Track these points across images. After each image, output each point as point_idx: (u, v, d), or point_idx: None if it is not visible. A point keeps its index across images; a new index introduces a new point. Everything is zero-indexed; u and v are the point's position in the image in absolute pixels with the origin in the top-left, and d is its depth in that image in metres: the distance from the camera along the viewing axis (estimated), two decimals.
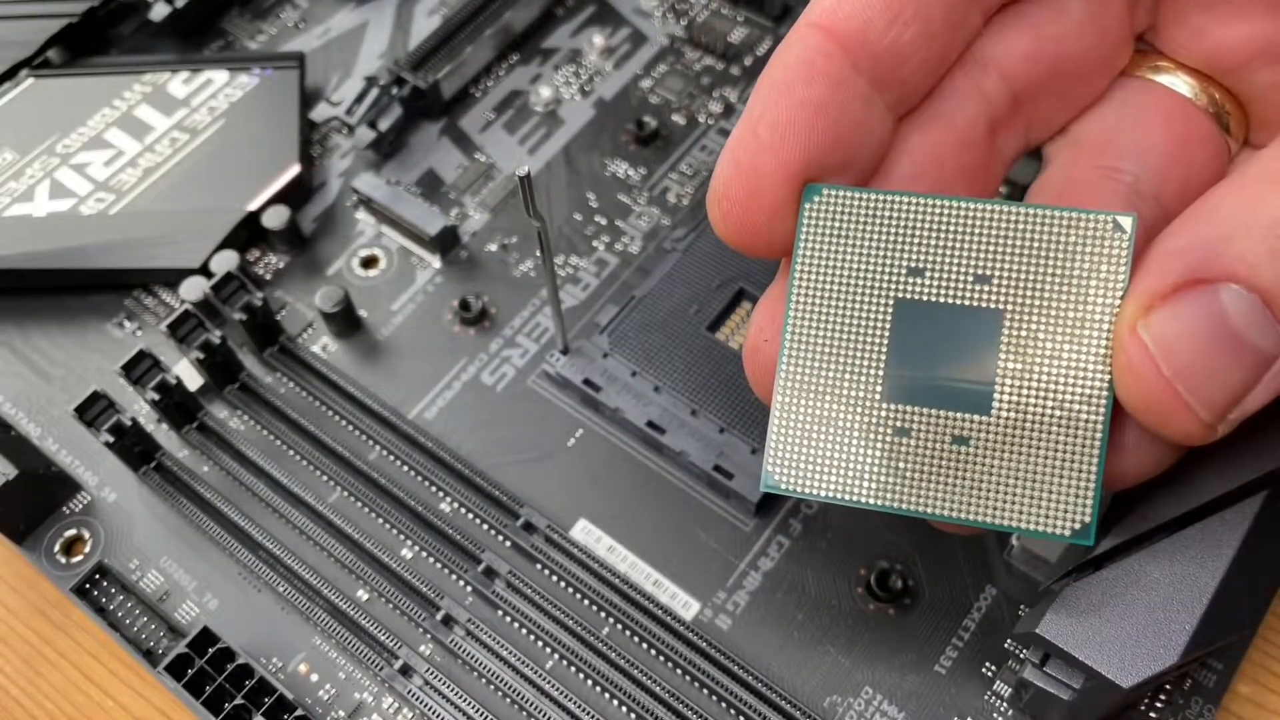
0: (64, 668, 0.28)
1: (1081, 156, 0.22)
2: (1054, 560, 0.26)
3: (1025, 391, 0.20)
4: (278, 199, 0.33)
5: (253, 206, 0.33)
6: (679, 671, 0.26)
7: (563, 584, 0.27)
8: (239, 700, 0.25)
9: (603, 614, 0.27)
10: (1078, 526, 0.19)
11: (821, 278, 0.21)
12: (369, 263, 0.33)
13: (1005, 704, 0.25)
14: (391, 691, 0.26)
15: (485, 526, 0.28)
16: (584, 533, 0.28)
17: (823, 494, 0.21)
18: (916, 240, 0.20)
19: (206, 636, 0.25)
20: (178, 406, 0.29)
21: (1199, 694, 0.25)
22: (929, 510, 0.20)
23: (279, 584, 0.28)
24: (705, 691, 0.26)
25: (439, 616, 0.27)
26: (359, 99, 0.35)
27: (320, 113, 0.36)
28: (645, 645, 0.27)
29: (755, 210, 0.21)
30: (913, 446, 0.20)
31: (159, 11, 0.37)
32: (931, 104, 0.22)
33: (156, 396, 0.28)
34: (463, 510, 0.29)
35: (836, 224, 0.21)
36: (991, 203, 0.20)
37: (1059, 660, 0.22)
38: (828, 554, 0.28)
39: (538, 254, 0.33)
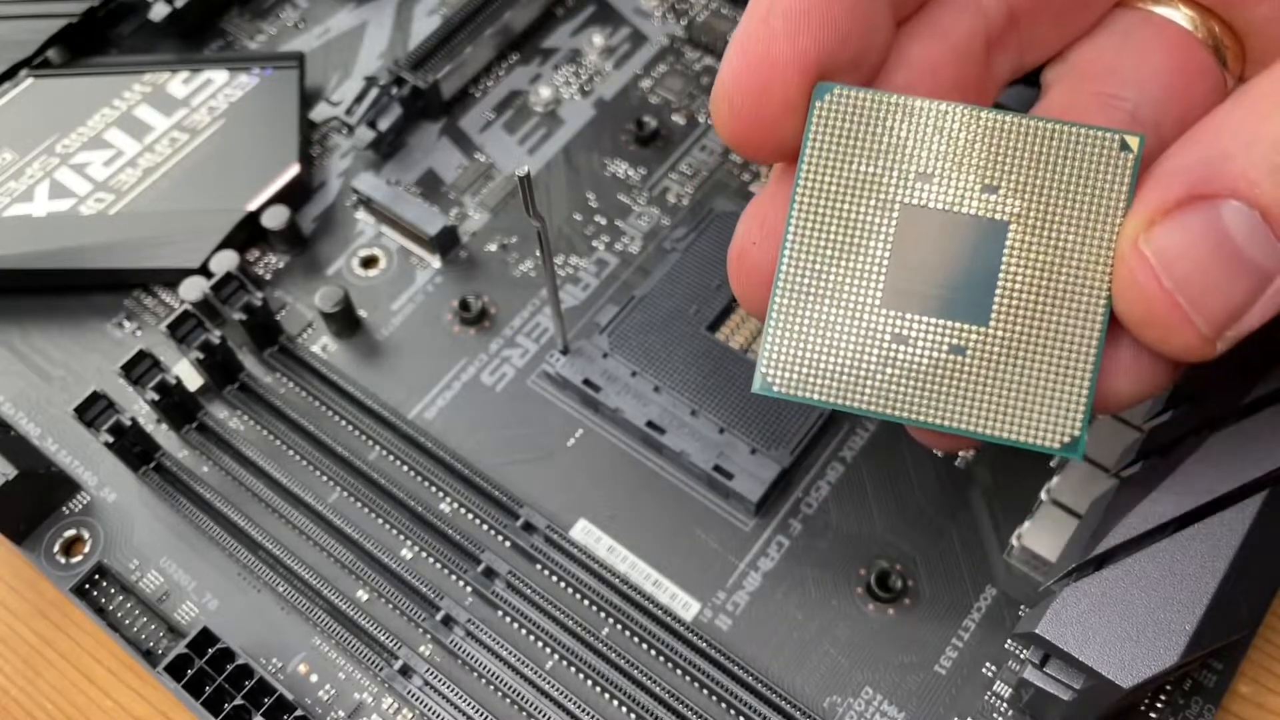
0: (63, 668, 0.28)
1: (1082, 83, 0.22)
2: (1054, 560, 0.26)
3: (1024, 304, 0.20)
4: (277, 199, 0.33)
5: (252, 206, 0.33)
6: (679, 672, 0.26)
7: (562, 584, 0.27)
8: (239, 700, 0.25)
9: (602, 614, 0.27)
10: (1067, 440, 0.20)
11: (827, 179, 0.20)
12: (369, 263, 0.33)
13: (1005, 704, 0.25)
14: (391, 692, 0.26)
15: (485, 527, 0.28)
16: (584, 533, 0.28)
17: (815, 397, 0.20)
18: (927, 146, 0.20)
19: (206, 637, 0.25)
20: (177, 406, 0.29)
21: (1199, 694, 0.25)
22: (922, 418, 0.20)
23: (279, 584, 0.28)
24: (705, 692, 0.26)
25: (439, 617, 0.27)
26: (359, 99, 0.35)
27: (320, 113, 0.36)
28: (645, 645, 0.26)
29: (767, 104, 0.20)
30: (909, 354, 0.20)
31: (159, 11, 0.37)
32: (929, 14, 0.22)
33: (156, 397, 0.28)
34: (462, 510, 0.29)
35: (846, 125, 0.20)
36: (1006, 113, 0.20)
37: (1059, 660, 0.22)
38: (828, 554, 0.28)
39: (538, 254, 0.33)
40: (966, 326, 0.20)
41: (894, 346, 0.20)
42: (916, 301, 0.20)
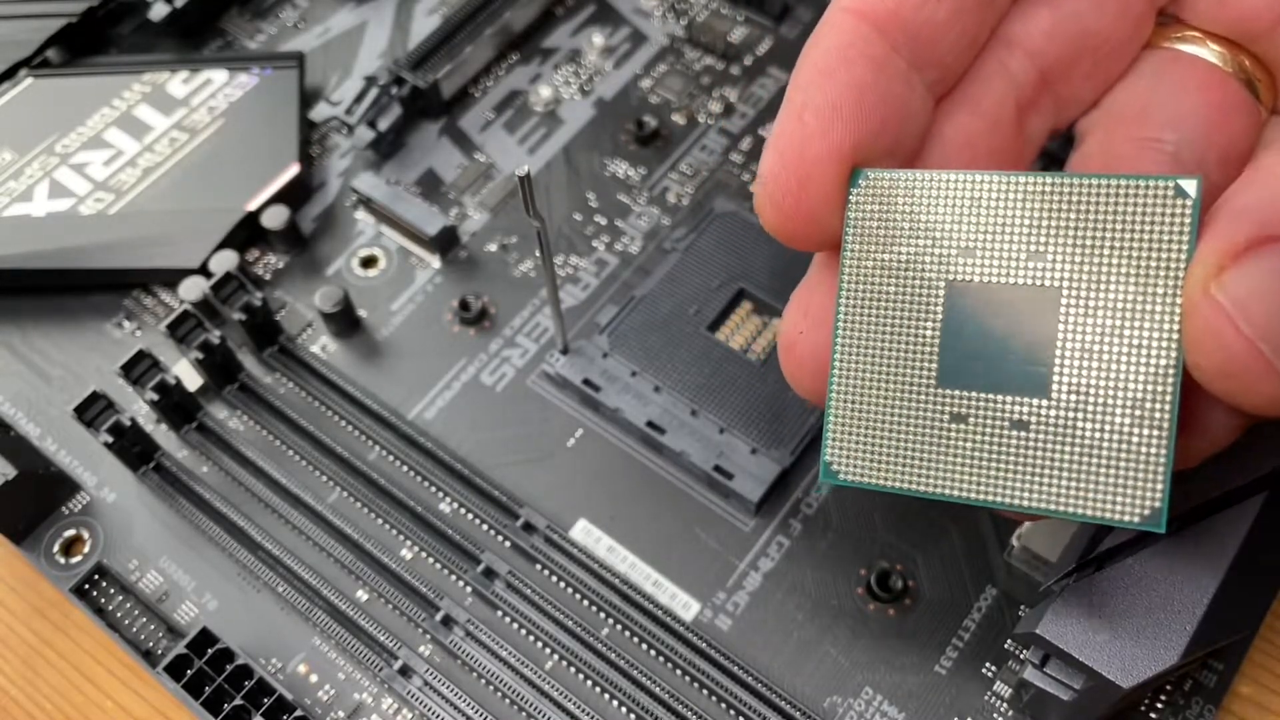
0: (63, 668, 0.28)
1: (1118, 129, 0.22)
2: (1054, 560, 0.26)
3: (1086, 371, 0.19)
4: (277, 199, 0.33)
5: (252, 206, 0.33)
6: (679, 672, 0.26)
7: (562, 584, 0.27)
8: (238, 701, 0.25)
9: (602, 614, 0.27)
10: (1147, 513, 0.18)
11: (871, 263, 0.20)
12: (368, 263, 0.33)
13: (1005, 704, 0.25)
14: (391, 692, 0.26)
15: (485, 527, 0.28)
16: (584, 533, 0.28)
17: (881, 483, 0.20)
18: (966, 219, 0.20)
19: (206, 637, 0.25)
20: (177, 407, 0.29)
21: (1199, 694, 0.25)
22: (990, 498, 0.19)
23: (278, 584, 0.28)
24: (705, 692, 0.26)
25: (438, 617, 0.27)
26: (358, 99, 0.35)
27: (320, 112, 0.36)
28: (645, 646, 0.26)
29: (808, 199, 0.20)
30: (970, 432, 0.19)
31: (158, 11, 0.37)
32: (959, 88, 0.22)
33: (156, 397, 0.28)
34: (462, 510, 0.29)
35: (884, 207, 0.20)
36: (1043, 175, 0.19)
37: (1059, 660, 0.22)
38: (828, 554, 0.28)
39: (537, 254, 0.33)
40: (1027, 400, 0.19)
41: (953, 426, 0.20)
42: (972, 378, 0.19)
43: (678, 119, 0.35)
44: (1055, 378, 0.19)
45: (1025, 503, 0.19)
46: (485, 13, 0.36)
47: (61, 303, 0.33)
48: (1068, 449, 0.19)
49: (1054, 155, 0.31)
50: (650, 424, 0.29)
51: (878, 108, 0.20)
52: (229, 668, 0.25)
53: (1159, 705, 0.25)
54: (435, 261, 0.33)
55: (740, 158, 0.34)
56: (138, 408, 0.30)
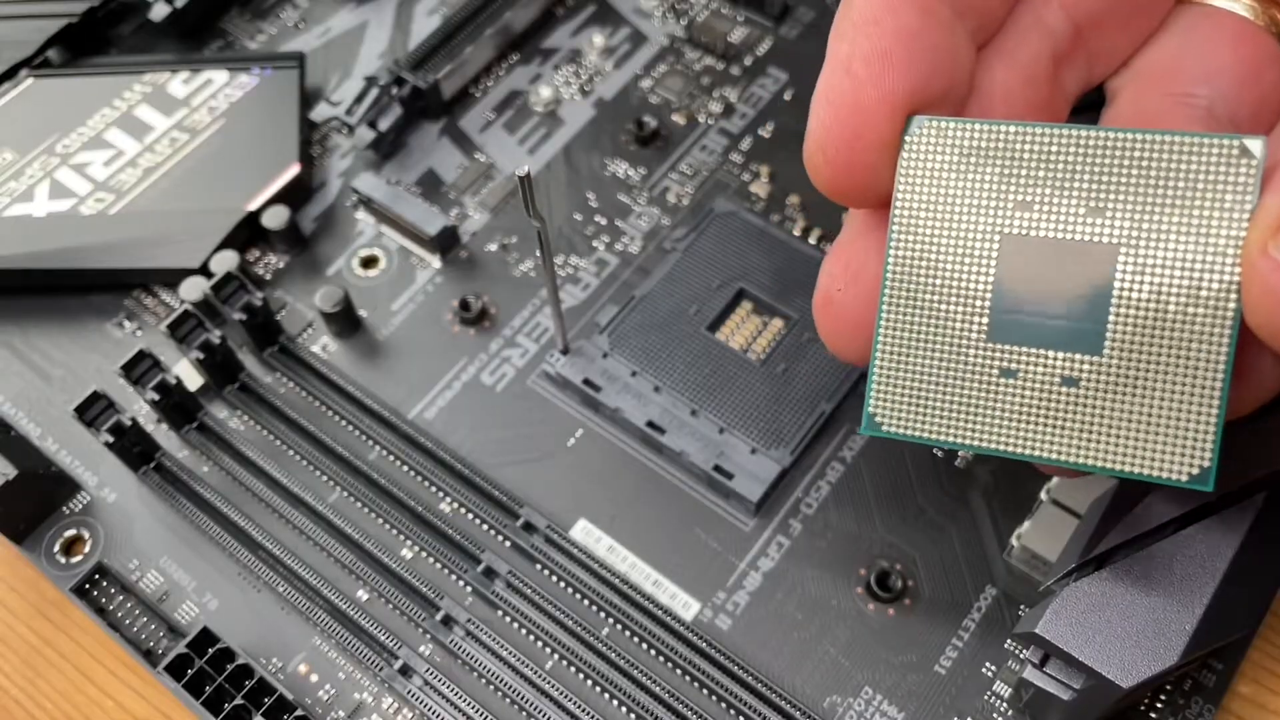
0: (64, 668, 0.28)
1: (1149, 86, 0.22)
2: (1054, 560, 0.26)
3: (1140, 329, 0.18)
4: (278, 199, 0.33)
5: (253, 206, 0.33)
6: (679, 672, 0.26)
7: (562, 584, 0.27)
8: (239, 700, 0.25)
9: (602, 614, 0.27)
10: (1195, 471, 0.18)
11: (923, 214, 0.20)
12: (369, 263, 0.33)
13: (1005, 704, 0.25)
14: (391, 691, 0.26)
15: (485, 526, 0.28)
16: (584, 533, 0.28)
17: (924, 435, 0.20)
18: (1025, 172, 0.19)
19: (206, 636, 0.25)
20: (177, 406, 0.29)
21: (1199, 694, 0.25)
22: (1036, 453, 0.19)
23: (279, 584, 0.28)
24: (705, 692, 0.26)
25: (439, 616, 0.27)
26: (359, 99, 0.35)
27: (320, 113, 0.36)
28: (645, 645, 0.26)
29: (863, 151, 0.20)
30: (1019, 388, 0.19)
31: (159, 11, 0.37)
32: (996, 41, 0.21)
33: (156, 396, 0.28)
34: (462, 510, 0.29)
35: (939, 157, 0.20)
36: (1107, 130, 0.19)
37: (1059, 660, 0.22)
38: (828, 554, 0.28)
39: (538, 254, 0.33)
40: (1078, 356, 0.19)
41: (1002, 381, 0.19)
42: (1023, 333, 0.19)
43: (678, 119, 0.35)
44: (1109, 335, 0.19)
45: (1071, 458, 0.19)
46: (485, 13, 0.36)
47: (62, 303, 0.33)
48: (1118, 406, 0.19)
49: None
50: (650, 424, 0.29)
51: (927, 54, 0.20)
52: (229, 667, 0.25)
53: (1159, 705, 0.25)
54: (436, 261, 0.33)
55: (740, 158, 0.34)
56: (138, 408, 0.30)
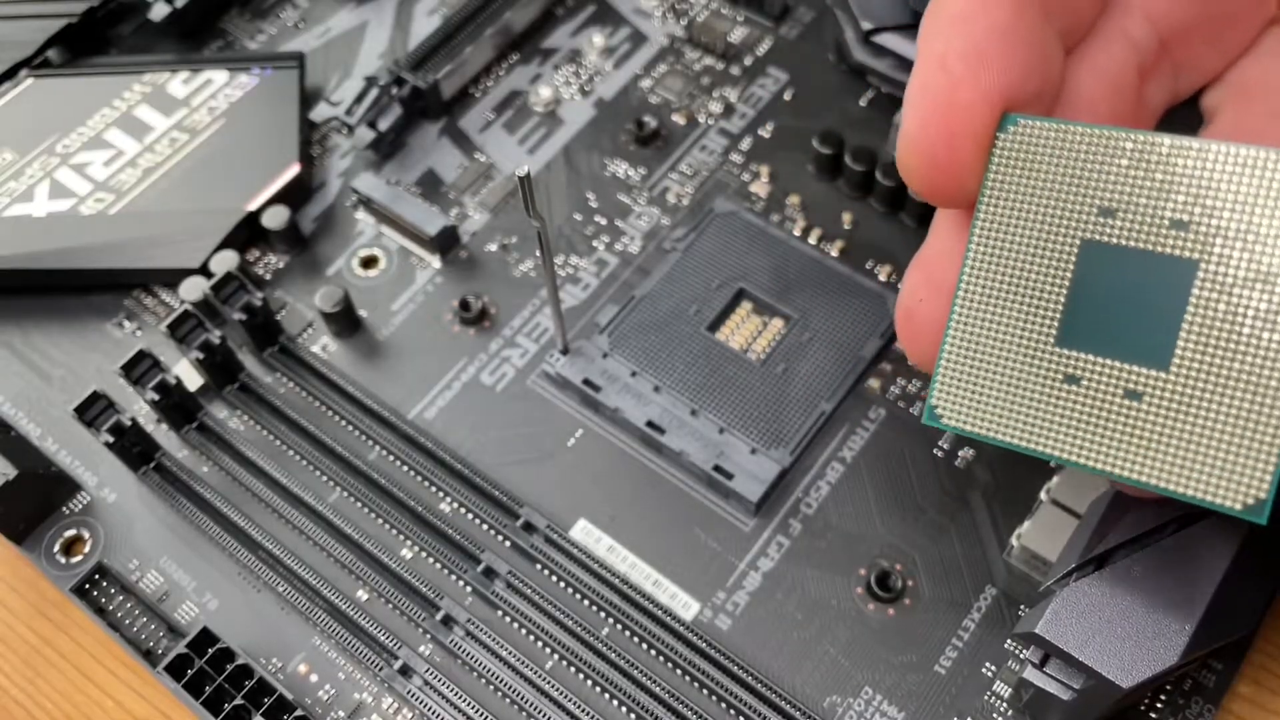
0: (64, 668, 0.28)
1: (1250, 104, 0.21)
2: (1054, 560, 0.26)
3: (1210, 350, 0.18)
4: (278, 199, 0.33)
5: (253, 206, 0.33)
6: (679, 672, 0.26)
7: (562, 584, 0.27)
8: (239, 700, 0.25)
9: (602, 614, 0.27)
10: (1251, 502, 0.17)
11: (1008, 212, 0.20)
12: (369, 263, 0.33)
13: (1005, 704, 0.25)
14: (391, 691, 0.26)
15: (485, 526, 0.28)
16: (584, 533, 0.28)
17: (982, 432, 0.20)
18: (1112, 178, 0.19)
19: (206, 636, 0.25)
20: (177, 406, 0.29)
21: (1199, 694, 0.25)
22: (1089, 463, 0.19)
23: (279, 584, 0.28)
24: (705, 692, 0.26)
25: (439, 616, 0.27)
26: (359, 99, 0.35)
27: (320, 113, 0.36)
28: (645, 645, 0.26)
29: (958, 149, 0.20)
30: (1082, 396, 0.19)
31: (159, 11, 0.37)
32: (1080, 49, 0.21)
33: (156, 396, 0.28)
34: (462, 510, 0.29)
35: (1029, 157, 0.20)
36: (1205, 142, 0.18)
37: (1059, 660, 0.22)
38: (828, 554, 0.28)
39: (538, 254, 0.33)
40: (1145, 371, 0.19)
41: (1065, 387, 0.19)
42: (1092, 341, 0.19)
43: (678, 119, 0.35)
44: (1178, 352, 0.18)
45: (1125, 473, 0.19)
46: (485, 13, 0.36)
47: (62, 303, 0.33)
48: (1179, 425, 0.18)
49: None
50: (650, 424, 0.29)
51: (1021, 51, 0.20)
52: (229, 667, 0.25)
53: (1159, 705, 0.25)
54: (435, 261, 0.33)
55: (740, 158, 0.34)
56: (138, 408, 0.30)
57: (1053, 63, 0.20)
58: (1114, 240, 0.19)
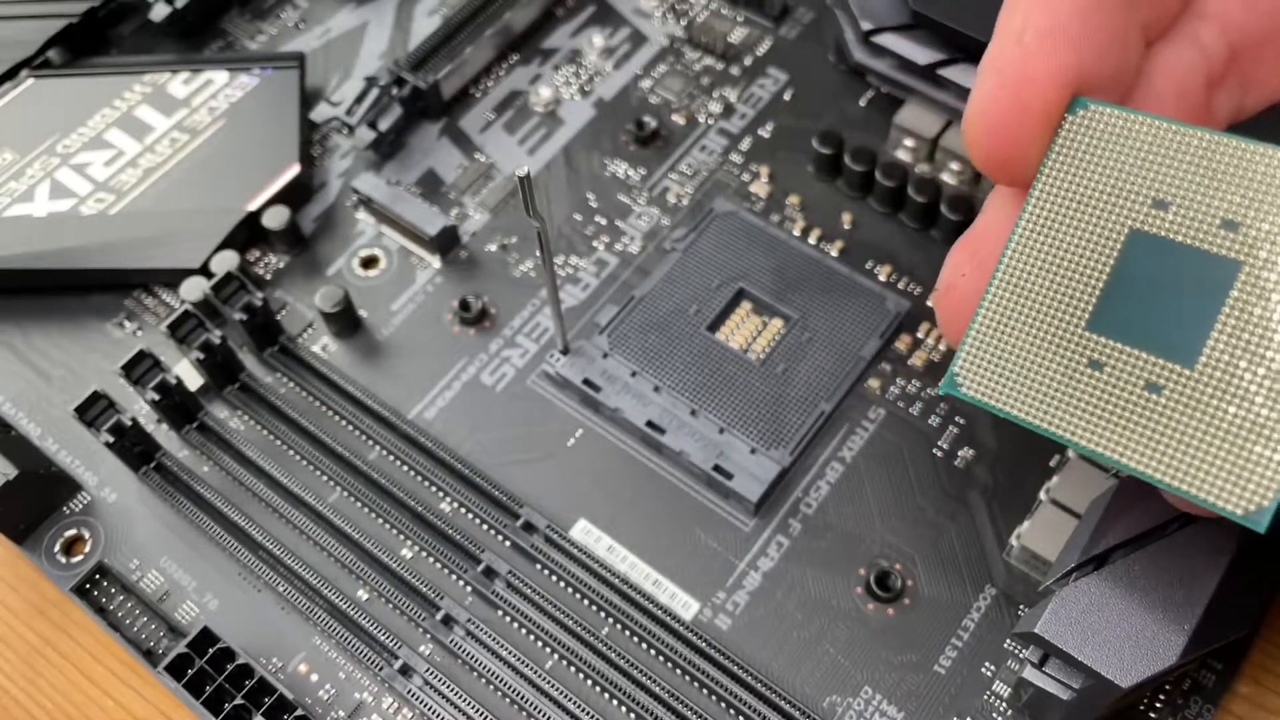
0: (64, 668, 0.28)
1: None
2: (1054, 560, 0.26)
3: (1238, 354, 0.18)
4: (278, 199, 0.33)
5: (253, 206, 0.33)
6: (678, 671, 0.26)
7: (562, 584, 0.27)
8: (239, 700, 0.25)
9: (602, 614, 0.27)
10: (1252, 508, 0.17)
11: (1063, 193, 0.20)
12: (369, 263, 0.33)
13: (1005, 704, 0.25)
14: (391, 691, 0.26)
15: (485, 526, 0.28)
16: (584, 533, 0.28)
17: (1000, 406, 0.20)
18: (1172, 172, 0.19)
19: (206, 636, 0.25)
20: (178, 406, 0.29)
21: (1199, 694, 0.25)
22: (1098, 450, 0.19)
23: (279, 584, 0.28)
24: (705, 691, 0.26)
25: (439, 616, 0.27)
26: (359, 99, 0.35)
27: (320, 113, 0.36)
28: (645, 645, 0.27)
29: (1026, 125, 0.20)
30: (1102, 381, 0.19)
31: (159, 11, 0.37)
32: (1158, 43, 0.21)
33: (156, 396, 0.28)
34: (462, 510, 0.29)
35: (1093, 141, 0.20)
36: (1268, 146, 0.18)
37: (1058, 660, 0.22)
38: (828, 554, 0.28)
39: (538, 254, 0.33)
40: (1169, 365, 0.19)
41: (1088, 371, 0.19)
42: (1122, 329, 0.19)
43: (678, 119, 0.35)
44: (1205, 351, 0.18)
45: (1132, 464, 0.19)
46: (485, 13, 0.36)
47: (62, 303, 0.33)
48: (1193, 423, 0.18)
49: None
50: (650, 424, 0.29)
51: (1100, 33, 0.19)
52: (229, 667, 0.25)
53: (1158, 705, 0.25)
54: (435, 261, 0.33)
55: (740, 158, 0.34)
56: (138, 408, 0.30)
57: (1130, 51, 0.20)
58: (1162, 233, 0.19)
